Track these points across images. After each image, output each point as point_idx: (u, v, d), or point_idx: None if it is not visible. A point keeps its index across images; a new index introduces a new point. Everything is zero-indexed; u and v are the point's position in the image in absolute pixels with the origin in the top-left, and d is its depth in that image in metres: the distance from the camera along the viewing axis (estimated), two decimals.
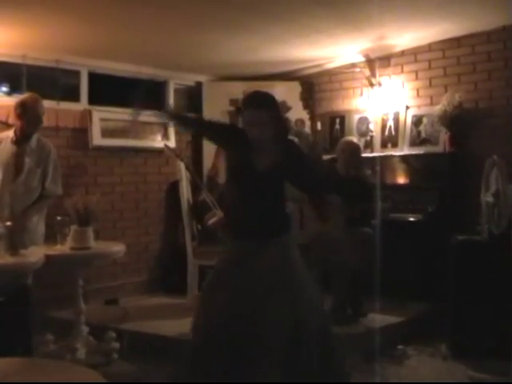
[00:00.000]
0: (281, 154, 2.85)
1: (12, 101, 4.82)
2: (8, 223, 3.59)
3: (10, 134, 4.16)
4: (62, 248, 3.88)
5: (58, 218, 4.02)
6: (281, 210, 2.95)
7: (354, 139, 4.91)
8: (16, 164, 4.06)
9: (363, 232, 4.29)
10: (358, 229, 4.29)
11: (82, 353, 3.85)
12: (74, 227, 3.84)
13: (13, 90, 4.95)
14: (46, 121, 4.94)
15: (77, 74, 5.27)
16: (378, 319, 4.24)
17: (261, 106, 2.80)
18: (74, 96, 5.26)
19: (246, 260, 2.81)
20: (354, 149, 4.53)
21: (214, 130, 3.10)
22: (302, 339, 2.71)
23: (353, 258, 4.18)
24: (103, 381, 1.93)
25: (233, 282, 2.78)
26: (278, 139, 2.86)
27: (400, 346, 4.10)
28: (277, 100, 2.95)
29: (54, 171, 4.20)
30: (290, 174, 2.89)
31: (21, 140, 4.10)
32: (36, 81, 4.97)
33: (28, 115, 4.06)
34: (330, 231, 4.37)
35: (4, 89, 4.94)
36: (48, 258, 3.65)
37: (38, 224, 4.18)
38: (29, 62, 4.87)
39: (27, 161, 4.08)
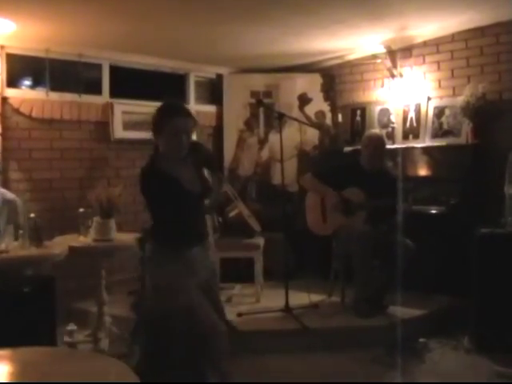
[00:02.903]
0: (198, 163, 2.99)
1: (35, 94, 4.90)
2: (32, 215, 3.65)
3: None
4: (85, 240, 3.94)
5: (81, 210, 4.07)
6: (204, 218, 3.15)
7: (378, 132, 4.88)
8: None
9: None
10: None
11: (105, 343, 3.91)
12: (96, 219, 3.90)
13: (36, 84, 5.01)
14: (69, 114, 5.02)
15: (98, 67, 5.30)
16: (401, 312, 4.22)
17: (189, 114, 2.91)
18: (95, 89, 5.30)
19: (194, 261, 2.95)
20: (377, 145, 4.50)
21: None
22: None
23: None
24: (127, 370, 1.94)
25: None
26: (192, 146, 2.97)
27: (422, 339, 4.07)
28: None
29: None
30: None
31: None
32: (58, 74, 5.03)
33: None
34: (353, 225, 4.36)
35: (27, 83, 5.00)
36: (71, 249, 3.71)
37: None
38: (51, 55, 4.91)
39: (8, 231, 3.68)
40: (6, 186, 4.64)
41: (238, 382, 3.15)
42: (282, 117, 4.35)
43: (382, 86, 5.65)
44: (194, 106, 5.95)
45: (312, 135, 5.85)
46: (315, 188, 4.59)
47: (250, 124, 6.00)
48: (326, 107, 5.90)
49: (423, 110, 5.29)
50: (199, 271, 2.96)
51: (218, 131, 6.09)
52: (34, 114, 4.81)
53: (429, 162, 5.04)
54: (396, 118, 5.44)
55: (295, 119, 5.05)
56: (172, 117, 2.84)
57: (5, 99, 4.67)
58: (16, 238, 3.59)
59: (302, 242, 5.32)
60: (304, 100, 5.78)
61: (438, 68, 5.27)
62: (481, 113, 4.81)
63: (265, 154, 5.98)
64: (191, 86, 6.01)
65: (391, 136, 5.40)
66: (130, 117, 5.44)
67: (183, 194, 2.87)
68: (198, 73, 6.06)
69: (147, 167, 2.93)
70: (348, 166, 4.65)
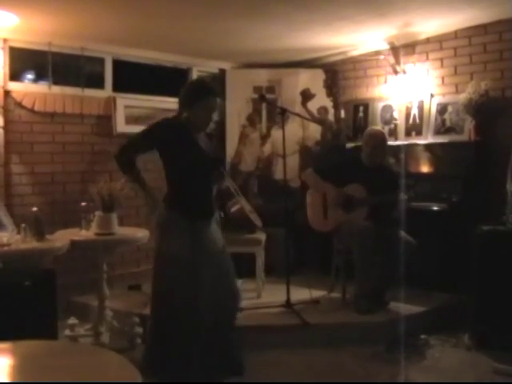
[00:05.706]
0: (213, 139, 3.38)
1: (38, 88, 4.90)
2: (34, 209, 3.65)
3: None
4: (87, 233, 3.94)
5: (83, 203, 4.08)
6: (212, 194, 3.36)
7: (380, 129, 4.86)
8: None
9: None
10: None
11: (105, 337, 3.92)
12: (98, 213, 3.90)
13: (38, 78, 5.01)
14: (71, 108, 5.02)
15: (101, 61, 5.30)
16: (401, 308, 4.22)
17: (218, 94, 3.25)
18: (98, 83, 5.29)
19: (201, 235, 3.15)
20: (378, 142, 4.49)
21: (146, 146, 3.32)
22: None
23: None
24: (128, 364, 1.95)
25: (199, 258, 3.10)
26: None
27: (423, 336, 4.08)
28: None
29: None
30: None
31: None
32: (61, 68, 5.02)
33: None
34: (354, 221, 4.36)
35: (30, 76, 5.00)
36: (73, 243, 3.71)
37: None
38: (54, 49, 4.91)
39: None
40: (8, 179, 4.66)
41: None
42: (284, 112, 4.34)
43: (385, 82, 5.64)
44: None
45: (314, 131, 5.84)
46: (316, 184, 4.58)
47: (252, 119, 5.99)
48: (328, 103, 5.88)
49: (426, 106, 5.28)
50: (209, 245, 3.12)
51: (220, 126, 6.07)
52: (36, 108, 4.81)
53: (431, 159, 5.04)
54: (399, 115, 5.43)
55: (298, 115, 5.04)
56: (207, 95, 3.11)
57: (7, 92, 4.67)
58: (18, 232, 3.60)
59: (303, 238, 5.32)
60: (307, 95, 5.76)
61: (441, 65, 5.25)
62: (483, 110, 4.80)
63: (267, 149, 5.97)
64: None
65: (394, 132, 5.39)
66: (133, 111, 5.44)
67: (201, 157, 3.12)
68: (200, 67, 6.05)
69: (173, 122, 3.16)
70: (349, 162, 4.64)
